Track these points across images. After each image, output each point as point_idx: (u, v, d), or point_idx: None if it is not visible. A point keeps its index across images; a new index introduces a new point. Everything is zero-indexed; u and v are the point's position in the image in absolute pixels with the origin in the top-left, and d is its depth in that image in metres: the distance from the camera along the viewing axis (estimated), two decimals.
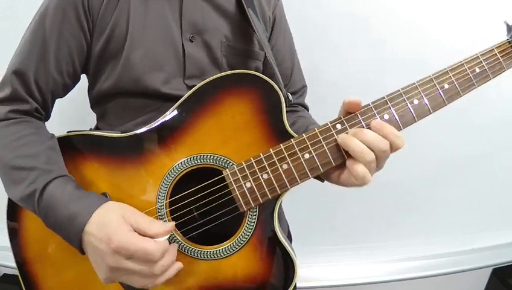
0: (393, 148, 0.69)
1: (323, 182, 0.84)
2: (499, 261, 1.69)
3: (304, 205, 1.52)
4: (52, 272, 0.82)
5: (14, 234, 0.84)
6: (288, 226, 1.10)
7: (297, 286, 1.10)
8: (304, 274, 1.60)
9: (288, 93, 0.86)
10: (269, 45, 0.97)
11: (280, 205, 0.78)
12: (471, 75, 0.70)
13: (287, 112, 0.99)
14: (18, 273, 0.84)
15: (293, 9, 1.06)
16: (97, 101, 0.91)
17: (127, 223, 0.68)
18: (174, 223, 0.75)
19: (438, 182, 1.59)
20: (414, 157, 1.50)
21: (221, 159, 0.76)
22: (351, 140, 0.69)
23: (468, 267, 1.66)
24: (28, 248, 0.83)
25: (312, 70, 1.09)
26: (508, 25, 0.72)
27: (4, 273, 1.66)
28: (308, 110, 1.10)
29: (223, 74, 0.77)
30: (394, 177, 1.48)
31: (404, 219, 1.63)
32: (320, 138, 0.72)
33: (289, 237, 1.10)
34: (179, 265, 0.74)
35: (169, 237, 0.77)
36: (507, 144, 1.54)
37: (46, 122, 0.88)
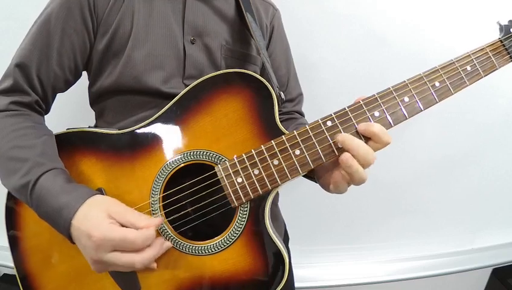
0: (382, 143, 0.68)
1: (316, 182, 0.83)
2: (499, 261, 1.66)
3: (304, 206, 1.50)
4: (48, 266, 0.81)
5: (12, 232, 0.84)
6: (285, 226, 1.09)
7: (296, 286, 1.10)
8: (303, 274, 1.58)
9: (281, 92, 0.86)
10: (266, 51, 0.98)
11: (272, 202, 0.76)
12: (462, 74, 0.69)
13: (286, 120, 1.02)
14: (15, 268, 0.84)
15: (293, 8, 1.05)
16: (97, 98, 0.91)
17: (109, 217, 0.68)
18: (162, 217, 0.74)
19: (437, 181, 1.56)
20: (413, 157, 1.49)
21: (214, 155, 0.76)
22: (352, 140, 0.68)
23: (468, 267, 1.63)
24: (25, 244, 0.83)
25: (311, 69, 1.09)
26: (500, 25, 0.70)
27: (4, 273, 1.64)
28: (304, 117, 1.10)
29: (217, 73, 0.77)
30: (394, 177, 1.48)
31: (404, 219, 1.61)
32: (311, 134, 0.71)
33: (286, 237, 1.09)
34: (165, 245, 0.74)
35: (160, 231, 0.76)
36: (507, 143, 1.52)
37: (46, 119, 0.89)
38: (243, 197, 0.74)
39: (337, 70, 1.37)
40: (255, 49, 0.96)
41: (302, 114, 1.10)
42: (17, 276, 0.84)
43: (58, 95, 0.90)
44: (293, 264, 1.07)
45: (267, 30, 1.01)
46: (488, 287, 1.77)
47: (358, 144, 0.68)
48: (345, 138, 0.68)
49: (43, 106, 0.86)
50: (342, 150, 0.71)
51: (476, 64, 0.68)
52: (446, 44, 1.23)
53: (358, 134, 0.70)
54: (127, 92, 0.86)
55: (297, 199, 1.38)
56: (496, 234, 1.67)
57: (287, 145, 0.72)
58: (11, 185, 0.75)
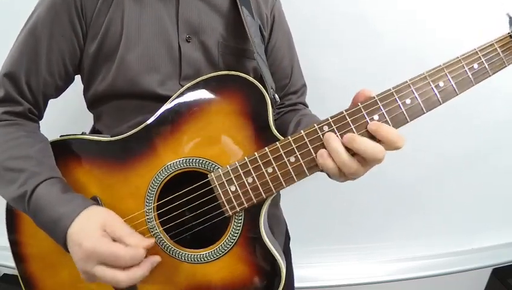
0: (392, 148, 0.58)
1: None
2: (499, 261, 1.53)
3: (304, 206, 1.40)
4: (49, 273, 0.76)
5: (13, 236, 0.77)
6: (286, 226, 0.99)
7: (296, 286, 1.01)
8: (303, 274, 1.48)
9: (275, 95, 0.75)
10: (264, 44, 0.87)
11: (274, 203, 0.68)
12: (469, 73, 0.57)
13: (289, 111, 0.92)
14: (18, 274, 0.79)
15: (293, 8, 0.95)
16: (93, 103, 0.82)
17: (102, 229, 0.62)
18: (153, 240, 0.66)
19: (437, 181, 1.44)
20: (413, 158, 1.37)
21: (207, 163, 0.66)
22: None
23: (468, 267, 1.50)
24: (25, 249, 0.77)
25: (311, 69, 0.99)
26: (510, 17, 0.58)
27: (4, 273, 1.57)
28: None
29: (209, 75, 0.67)
30: (394, 177, 1.37)
31: (404, 219, 1.49)
32: (307, 140, 0.61)
33: (287, 237, 0.99)
34: (154, 259, 0.65)
35: (156, 239, 0.69)
36: (507, 143, 1.39)
37: (43, 124, 0.82)
38: (236, 206, 0.65)
39: (337, 69, 1.27)
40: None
41: (306, 105, 0.98)
42: (20, 282, 0.78)
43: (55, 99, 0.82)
44: (293, 264, 0.99)
45: (268, 21, 0.89)
46: (488, 287, 1.63)
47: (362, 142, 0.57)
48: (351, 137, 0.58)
49: (36, 113, 0.79)
50: None
51: (484, 62, 0.57)
52: (450, 40, 1.11)
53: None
54: (123, 97, 0.77)
55: (298, 199, 1.28)
56: (495, 234, 1.53)
57: (282, 152, 0.62)
58: (9, 196, 0.70)
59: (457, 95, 0.57)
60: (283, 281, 0.66)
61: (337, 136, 0.59)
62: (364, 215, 1.47)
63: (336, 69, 1.26)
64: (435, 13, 1.22)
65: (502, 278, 1.56)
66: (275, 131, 0.64)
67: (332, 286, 1.48)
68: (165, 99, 0.73)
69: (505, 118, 1.35)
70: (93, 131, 0.87)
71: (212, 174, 0.65)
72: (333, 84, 1.24)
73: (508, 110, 1.34)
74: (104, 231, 0.62)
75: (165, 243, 0.68)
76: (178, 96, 0.68)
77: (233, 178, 0.64)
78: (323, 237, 1.50)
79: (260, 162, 0.62)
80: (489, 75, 0.57)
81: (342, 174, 0.60)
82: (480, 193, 1.45)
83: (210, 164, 0.66)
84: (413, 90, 0.58)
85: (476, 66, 0.57)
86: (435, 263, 1.50)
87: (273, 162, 0.62)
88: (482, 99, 1.27)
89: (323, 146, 0.60)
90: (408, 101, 0.58)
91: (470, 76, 0.57)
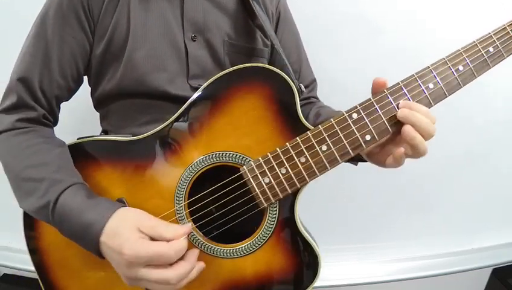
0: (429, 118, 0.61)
1: (356, 165, 0.76)
2: (499, 261, 1.53)
3: (303, 206, 1.38)
4: (74, 279, 0.73)
5: (32, 241, 0.74)
6: None
7: None
8: None
9: (300, 84, 0.76)
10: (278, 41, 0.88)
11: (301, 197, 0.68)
12: (485, 56, 0.61)
13: (304, 104, 0.93)
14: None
15: (294, 8, 0.97)
16: (100, 102, 0.81)
17: (139, 231, 0.60)
18: (190, 224, 0.65)
19: (437, 181, 1.46)
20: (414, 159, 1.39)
21: (238, 156, 0.67)
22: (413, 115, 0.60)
23: (468, 267, 1.50)
24: (47, 255, 0.74)
25: (313, 68, 1.00)
26: None
27: (4, 273, 1.49)
28: None
29: (231, 69, 0.67)
30: (394, 177, 1.36)
31: (404, 219, 1.50)
32: (337, 128, 0.63)
33: None
34: (199, 266, 0.64)
35: (190, 238, 0.68)
36: (507, 143, 1.42)
37: (55, 129, 0.80)
38: (271, 198, 0.65)
39: (337, 69, 1.28)
40: (261, 41, 0.85)
41: (318, 99, 0.99)
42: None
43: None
44: None
45: (273, 18, 0.89)
46: (488, 287, 1.64)
47: (419, 118, 0.60)
48: (405, 113, 0.60)
49: (50, 119, 0.77)
50: (369, 143, 0.63)
51: (498, 45, 0.61)
52: (450, 40, 1.13)
53: (386, 124, 0.62)
54: (130, 95, 0.76)
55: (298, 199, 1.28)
56: (495, 234, 1.55)
57: (313, 141, 0.64)
58: (30, 206, 0.67)
59: (476, 78, 0.61)
60: (320, 269, 0.68)
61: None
62: (365, 216, 1.47)
63: (336, 69, 1.27)
64: (435, 13, 1.25)
65: (502, 278, 1.56)
66: (304, 121, 0.65)
67: (332, 286, 1.46)
68: (173, 98, 0.74)
69: (505, 118, 1.38)
70: (103, 131, 0.85)
71: (244, 167, 0.66)
72: (333, 84, 1.24)
73: (508, 110, 1.37)
74: (141, 232, 0.60)
75: (199, 241, 0.68)
76: (202, 92, 0.68)
77: (266, 170, 0.65)
78: (323, 237, 1.45)
79: (292, 153, 0.64)
80: (504, 58, 0.61)
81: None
82: (480, 193, 1.47)
83: (241, 157, 0.66)
84: (435, 75, 0.61)
85: (491, 49, 0.61)
86: (435, 263, 1.51)
87: (305, 151, 0.63)
88: (482, 99, 1.30)
89: (353, 133, 0.62)
90: (431, 85, 0.61)
91: (487, 59, 0.61)
